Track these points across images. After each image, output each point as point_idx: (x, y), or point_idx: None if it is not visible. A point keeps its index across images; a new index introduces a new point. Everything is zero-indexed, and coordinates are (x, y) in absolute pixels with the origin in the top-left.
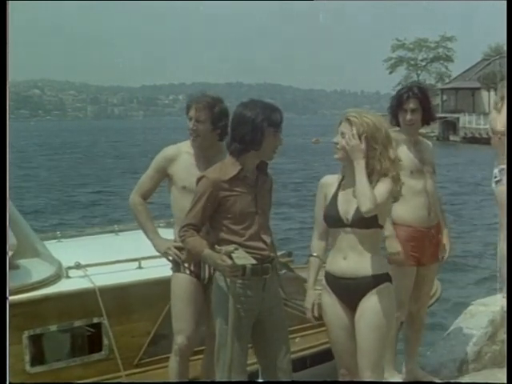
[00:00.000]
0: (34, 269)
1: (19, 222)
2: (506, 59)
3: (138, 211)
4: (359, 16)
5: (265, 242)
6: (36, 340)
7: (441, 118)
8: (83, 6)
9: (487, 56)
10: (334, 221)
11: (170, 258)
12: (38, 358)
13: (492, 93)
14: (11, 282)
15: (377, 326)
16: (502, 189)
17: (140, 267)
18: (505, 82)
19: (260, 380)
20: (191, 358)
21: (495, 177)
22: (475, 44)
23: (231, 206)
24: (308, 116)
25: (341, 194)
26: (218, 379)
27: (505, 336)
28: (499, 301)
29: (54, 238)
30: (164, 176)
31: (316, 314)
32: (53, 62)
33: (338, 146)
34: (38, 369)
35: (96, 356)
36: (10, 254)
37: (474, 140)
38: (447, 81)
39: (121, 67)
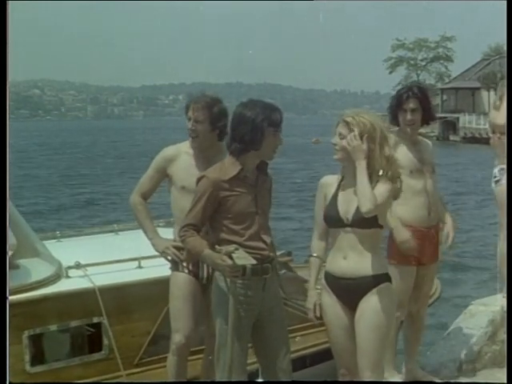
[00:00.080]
0: (33, 269)
1: (19, 221)
2: (505, 59)
3: (137, 211)
4: (359, 16)
5: (265, 242)
6: (36, 340)
7: (441, 117)
8: (83, 5)
9: (487, 56)
10: (334, 221)
11: (169, 257)
12: (38, 358)
13: (492, 93)
14: (11, 282)
15: (377, 326)
16: (502, 189)
17: (140, 267)
18: (504, 81)
19: (260, 380)
20: (191, 357)
21: (495, 177)
22: (475, 44)
23: (231, 206)
24: (308, 116)
25: (341, 194)
26: (218, 379)
27: (505, 336)
28: (499, 301)
29: (54, 238)
30: (164, 176)
31: (318, 314)
32: (53, 62)
33: (337, 147)
34: (38, 368)
35: (96, 356)
36: (9, 253)
37: (474, 140)
38: (447, 81)
39: (121, 67)
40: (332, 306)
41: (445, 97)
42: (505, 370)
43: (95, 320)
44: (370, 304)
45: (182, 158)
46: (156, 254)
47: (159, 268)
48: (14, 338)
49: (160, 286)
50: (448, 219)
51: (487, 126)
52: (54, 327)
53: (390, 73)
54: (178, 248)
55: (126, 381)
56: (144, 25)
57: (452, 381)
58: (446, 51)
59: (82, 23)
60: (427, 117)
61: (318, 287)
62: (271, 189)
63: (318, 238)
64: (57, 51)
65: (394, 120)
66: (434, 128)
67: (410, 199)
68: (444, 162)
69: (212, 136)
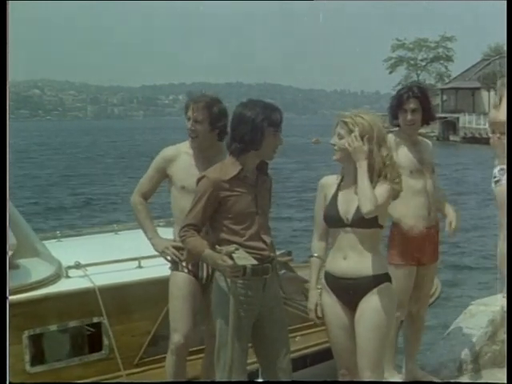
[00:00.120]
0: (33, 268)
1: (19, 221)
2: (505, 59)
3: (137, 211)
4: (359, 16)
5: (265, 242)
6: (36, 340)
7: (441, 117)
8: (83, 5)
9: (487, 56)
10: (334, 221)
11: (168, 257)
12: (38, 358)
13: (492, 93)
14: (11, 282)
15: (377, 326)
16: (502, 189)
17: (140, 266)
18: (503, 80)
19: (260, 380)
20: (191, 357)
21: (495, 177)
22: (475, 44)
23: (231, 206)
24: (308, 116)
25: (341, 194)
26: (218, 379)
27: (505, 336)
28: (499, 301)
29: (54, 238)
30: (164, 176)
31: (320, 314)
32: (53, 62)
33: (336, 147)
34: (38, 368)
35: (96, 355)
36: (9, 253)
37: (474, 140)
38: (447, 81)
39: (121, 67)
40: (332, 306)
41: (445, 97)
42: (505, 370)
43: (95, 320)
44: (370, 304)
45: (181, 158)
46: (156, 253)
47: (159, 268)
48: (14, 338)
49: (160, 286)
50: (449, 209)
51: (487, 126)
52: (54, 327)
53: (390, 73)
54: (177, 248)
55: (126, 381)
56: (144, 25)
57: (452, 381)
58: (446, 51)
59: (82, 23)
60: (427, 117)
61: (319, 287)
62: (271, 189)
63: (318, 239)
64: (57, 51)
65: (394, 120)
66: (434, 128)
67: (410, 199)
68: (444, 162)
69: (212, 136)
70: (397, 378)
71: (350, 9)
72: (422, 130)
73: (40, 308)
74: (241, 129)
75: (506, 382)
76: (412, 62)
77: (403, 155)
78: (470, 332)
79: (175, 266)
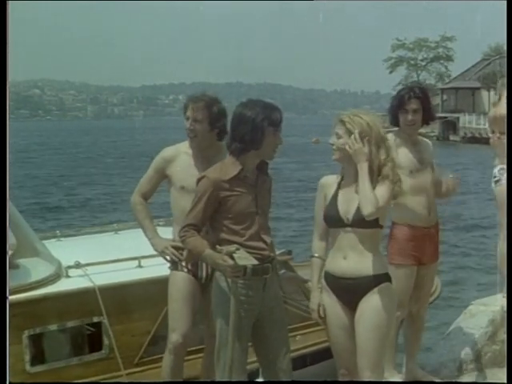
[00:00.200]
0: (33, 268)
1: (19, 221)
2: (505, 59)
3: (137, 211)
4: (359, 16)
5: (265, 242)
6: (36, 339)
7: (441, 117)
8: (83, 6)
9: (487, 56)
10: (334, 221)
11: (168, 257)
12: (38, 358)
13: (492, 92)
14: (11, 282)
15: (376, 326)
16: (502, 189)
17: (140, 266)
18: (503, 80)
19: (260, 379)
20: (190, 357)
21: (494, 177)
22: (475, 44)
23: (232, 206)
24: (308, 116)
25: (340, 194)
26: (218, 379)
27: (505, 336)
28: (499, 300)
29: (54, 238)
30: (163, 177)
31: (322, 314)
32: (53, 62)
33: (334, 147)
34: (38, 368)
35: (96, 355)
36: (9, 253)
37: (474, 140)
38: (447, 80)
39: (121, 67)
40: (332, 305)
41: (445, 97)
42: (505, 370)
43: (95, 319)
44: (370, 304)
45: (181, 158)
46: (156, 253)
47: (159, 267)
48: (14, 338)
49: (160, 286)
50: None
51: (487, 126)
52: (53, 327)
53: (390, 73)
54: (176, 248)
55: (126, 380)
56: (144, 25)
57: (452, 381)
58: (446, 51)
59: (82, 23)
60: (427, 117)
61: (319, 286)
62: (271, 189)
63: (318, 239)
64: (57, 51)
65: (394, 120)
66: (434, 128)
67: (410, 199)
68: (444, 162)
69: (211, 136)
70: (397, 378)
71: (349, 9)
72: (422, 130)
73: (40, 308)
74: (241, 128)
75: (506, 381)
76: (412, 62)
77: (403, 155)
78: (470, 332)
79: (174, 265)
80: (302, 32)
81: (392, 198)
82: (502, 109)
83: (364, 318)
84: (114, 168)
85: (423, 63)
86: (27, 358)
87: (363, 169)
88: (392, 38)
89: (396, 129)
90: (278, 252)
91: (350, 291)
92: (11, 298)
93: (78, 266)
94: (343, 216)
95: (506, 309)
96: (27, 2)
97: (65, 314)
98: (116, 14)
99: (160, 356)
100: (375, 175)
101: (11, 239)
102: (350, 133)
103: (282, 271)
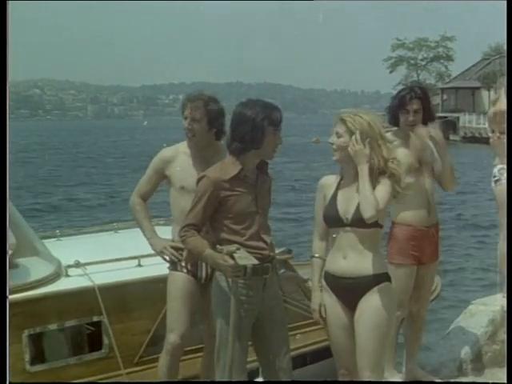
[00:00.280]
0: (33, 267)
1: (18, 221)
2: (505, 59)
3: (136, 211)
4: (359, 16)
5: (265, 242)
6: (36, 339)
7: (441, 117)
8: (83, 5)
9: (487, 55)
10: (333, 221)
11: (167, 257)
12: (37, 357)
13: (492, 92)
14: (10, 281)
15: (376, 326)
16: (502, 188)
17: (139, 265)
18: (502, 80)
19: (260, 379)
20: (190, 356)
21: (494, 176)
22: (475, 44)
23: (232, 206)
24: (308, 115)
25: (340, 194)
26: (218, 379)
27: (505, 335)
28: (499, 300)
29: (53, 237)
30: (162, 177)
31: (324, 314)
32: (53, 62)
33: (334, 146)
34: (38, 368)
35: (96, 354)
36: (9, 253)
37: (474, 139)
38: (447, 80)
39: (121, 67)
40: (332, 305)
41: (445, 96)
42: (505, 370)
43: (95, 319)
44: (370, 304)
45: (179, 158)
46: None
47: (159, 266)
48: (14, 338)
49: (160, 285)
50: None
51: (487, 126)
52: (53, 326)
53: (391, 72)
54: (176, 248)
55: (126, 380)
56: (144, 25)
57: (452, 380)
58: (446, 51)
59: (82, 23)
60: (427, 117)
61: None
62: (271, 188)
63: (318, 239)
64: (57, 51)
65: (393, 120)
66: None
67: (410, 199)
68: None
69: (209, 135)
70: (397, 378)
71: (349, 9)
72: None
73: (40, 307)
74: (241, 128)
75: (506, 381)
76: (412, 62)
77: (402, 155)
78: (470, 332)
79: (174, 266)
80: (302, 32)
81: (392, 198)
82: (502, 104)
83: (364, 317)
84: (113, 168)
85: (423, 63)
86: (27, 357)
87: (363, 170)
88: (392, 38)
89: (395, 128)
90: (277, 251)
91: (349, 291)
92: (11, 297)
93: (77, 265)
94: (343, 216)
95: (505, 309)
96: (27, 2)
97: (64, 314)
98: (116, 13)
99: (160, 355)
100: (375, 175)
101: (11, 239)
102: (350, 132)
103: (282, 271)
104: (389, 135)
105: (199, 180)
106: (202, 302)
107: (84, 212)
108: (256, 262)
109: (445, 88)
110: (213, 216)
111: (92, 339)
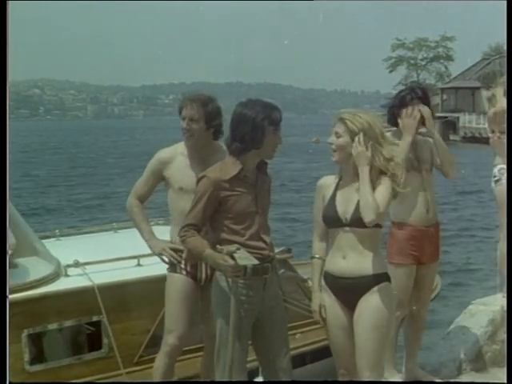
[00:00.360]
0: (32, 267)
1: (18, 221)
2: (505, 59)
3: (133, 213)
4: (359, 16)
5: (265, 242)
6: (35, 339)
7: (441, 117)
8: (83, 5)
9: (487, 55)
10: (332, 221)
11: (166, 259)
12: (37, 357)
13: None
14: (10, 281)
15: (375, 326)
16: (502, 188)
17: (139, 265)
18: (500, 79)
19: (260, 378)
20: (190, 356)
21: (494, 176)
22: (475, 44)
23: (232, 206)
24: (308, 115)
25: (339, 194)
26: (218, 379)
27: (505, 335)
28: (499, 300)
29: (53, 237)
30: (160, 179)
31: (324, 315)
32: (53, 62)
33: (333, 147)
34: (38, 367)
35: (96, 354)
36: (9, 252)
37: (474, 139)
38: (447, 80)
39: (121, 67)
40: (331, 305)
41: (445, 96)
42: (505, 370)
43: (95, 318)
44: (369, 304)
45: (177, 159)
46: None
47: (158, 266)
48: (14, 337)
49: (159, 284)
50: None
51: (487, 126)
52: (53, 326)
53: (391, 72)
54: (175, 250)
55: (125, 379)
56: (144, 25)
57: (452, 380)
58: (446, 51)
59: (82, 23)
60: None
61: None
62: (270, 188)
63: (318, 239)
64: (57, 51)
65: (393, 120)
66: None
67: (409, 198)
68: None
69: (207, 135)
70: (397, 378)
71: (349, 9)
72: (423, 130)
73: (39, 307)
74: (241, 128)
75: (506, 381)
76: (412, 62)
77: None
78: (470, 331)
79: (173, 267)
80: (302, 32)
81: (392, 199)
82: (503, 103)
83: (363, 317)
84: (113, 168)
85: (423, 63)
86: (27, 357)
87: (364, 172)
88: (392, 38)
89: (395, 129)
90: (277, 250)
91: (349, 291)
92: (11, 297)
93: (77, 264)
94: (342, 216)
95: (505, 309)
96: (27, 2)
97: (64, 313)
98: (116, 13)
99: None
100: (376, 175)
101: (11, 239)
102: (349, 132)
103: (281, 271)
104: (388, 135)
105: (199, 180)
106: (202, 303)
107: (84, 212)
108: (256, 262)
109: (445, 88)
110: (213, 216)
111: (92, 339)
